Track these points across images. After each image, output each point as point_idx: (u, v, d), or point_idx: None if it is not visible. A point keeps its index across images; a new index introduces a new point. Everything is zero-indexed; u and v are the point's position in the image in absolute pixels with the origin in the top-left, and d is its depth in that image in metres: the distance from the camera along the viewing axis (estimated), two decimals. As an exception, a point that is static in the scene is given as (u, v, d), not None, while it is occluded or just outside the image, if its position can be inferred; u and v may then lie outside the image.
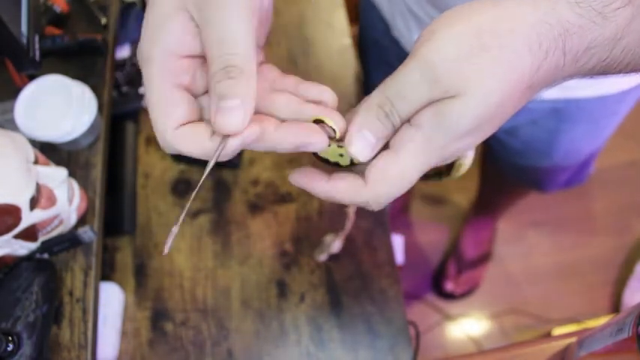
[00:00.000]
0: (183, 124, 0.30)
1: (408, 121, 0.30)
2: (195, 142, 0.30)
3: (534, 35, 0.27)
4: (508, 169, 1.00)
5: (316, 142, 0.31)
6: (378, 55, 0.85)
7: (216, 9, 0.29)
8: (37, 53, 0.58)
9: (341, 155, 0.34)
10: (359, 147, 0.30)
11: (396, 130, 0.30)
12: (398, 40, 0.75)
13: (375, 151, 0.31)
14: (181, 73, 0.32)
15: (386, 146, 0.31)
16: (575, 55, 0.28)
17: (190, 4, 0.31)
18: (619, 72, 0.31)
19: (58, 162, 0.63)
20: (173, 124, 0.30)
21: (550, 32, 0.27)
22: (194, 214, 0.76)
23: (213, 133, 0.29)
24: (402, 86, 0.29)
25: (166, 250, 0.32)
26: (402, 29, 0.72)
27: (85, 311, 0.57)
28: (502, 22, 0.27)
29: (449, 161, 0.33)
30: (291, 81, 0.35)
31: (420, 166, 0.30)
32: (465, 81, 0.28)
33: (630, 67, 0.30)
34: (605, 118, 0.78)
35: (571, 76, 0.30)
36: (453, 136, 0.29)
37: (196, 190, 0.32)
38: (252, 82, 0.29)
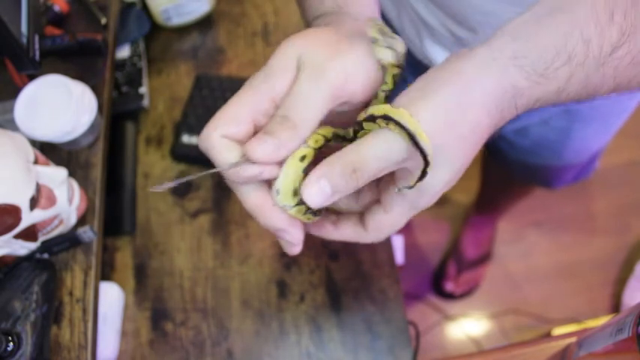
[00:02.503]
0: (227, 137, 0.34)
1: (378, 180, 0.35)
2: (221, 152, 0.34)
3: (492, 103, 0.32)
4: (516, 168, 1.00)
5: (294, 237, 0.39)
6: None
7: (312, 72, 0.34)
8: (37, 53, 0.58)
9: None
10: (312, 193, 0.33)
11: (360, 185, 0.33)
12: (408, 48, 0.74)
13: (329, 202, 0.33)
14: (259, 110, 0.35)
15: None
16: (525, 107, 0.33)
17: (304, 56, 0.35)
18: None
19: (58, 162, 0.63)
20: (224, 131, 0.34)
21: (504, 95, 0.32)
22: (194, 214, 0.76)
23: (243, 155, 0.33)
24: (380, 149, 0.32)
25: (155, 189, 0.36)
26: (413, 37, 0.71)
27: (85, 311, 0.57)
28: (465, 96, 0.31)
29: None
30: None
31: (406, 218, 0.37)
32: (435, 153, 0.31)
33: (576, 101, 0.35)
34: (616, 115, 0.78)
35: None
36: (433, 197, 0.35)
37: (193, 177, 0.37)
38: (297, 140, 0.33)
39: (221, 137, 0.34)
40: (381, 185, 0.38)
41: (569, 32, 0.31)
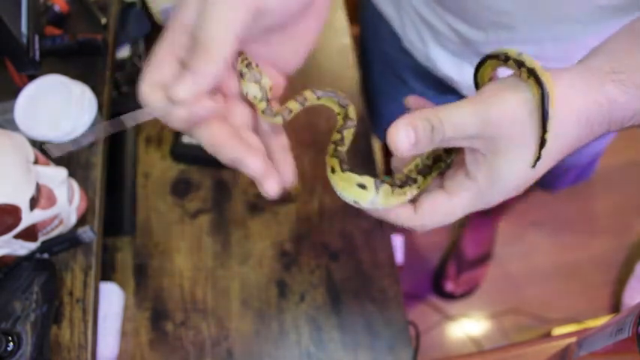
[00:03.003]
0: (155, 84, 0.34)
1: (447, 154, 0.36)
2: (149, 98, 0.34)
3: (584, 115, 0.32)
4: None
5: (250, 167, 0.35)
6: (384, 66, 0.84)
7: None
8: (37, 53, 0.58)
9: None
10: (401, 137, 0.32)
11: (430, 147, 0.33)
12: (409, 51, 0.74)
13: (406, 154, 0.33)
14: (178, 46, 0.34)
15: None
16: (620, 123, 0.33)
17: None
18: None
19: (58, 162, 0.63)
20: (150, 79, 0.34)
21: (600, 109, 0.32)
22: (194, 214, 0.76)
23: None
24: (456, 117, 0.32)
25: (126, 121, 0.39)
26: (415, 41, 0.71)
27: (85, 311, 0.57)
28: (559, 100, 0.31)
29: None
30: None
31: (466, 211, 0.36)
32: (509, 141, 0.32)
33: None
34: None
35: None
36: (502, 193, 0.34)
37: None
38: (213, 64, 0.32)
39: (149, 86, 0.34)
40: (448, 173, 0.37)
41: None
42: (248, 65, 0.37)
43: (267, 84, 0.38)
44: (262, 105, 0.38)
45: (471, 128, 0.32)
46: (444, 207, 0.36)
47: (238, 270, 0.72)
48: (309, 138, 0.79)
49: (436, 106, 0.33)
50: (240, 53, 0.37)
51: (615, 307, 1.40)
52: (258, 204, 0.76)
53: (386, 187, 0.35)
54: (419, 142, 0.32)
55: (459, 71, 0.68)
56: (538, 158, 0.32)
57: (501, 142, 0.32)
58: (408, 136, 0.32)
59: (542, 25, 0.56)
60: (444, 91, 0.75)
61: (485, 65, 0.37)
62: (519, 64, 0.32)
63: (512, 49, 0.33)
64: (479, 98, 0.32)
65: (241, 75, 0.37)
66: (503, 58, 0.34)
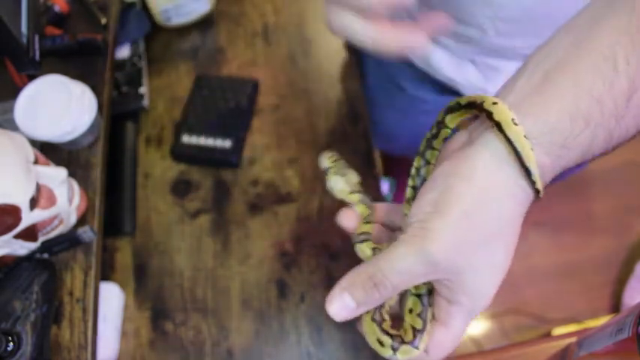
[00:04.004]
0: None
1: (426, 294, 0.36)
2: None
3: (515, 188, 0.31)
4: None
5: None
6: (381, 75, 0.84)
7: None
8: (37, 53, 0.58)
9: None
10: (335, 308, 0.33)
11: (383, 299, 0.33)
12: (409, 60, 0.74)
13: (354, 315, 0.33)
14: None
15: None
16: (551, 175, 0.32)
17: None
18: None
19: (58, 162, 0.63)
20: None
21: (527, 186, 0.31)
22: (194, 214, 0.76)
23: None
24: (397, 264, 0.32)
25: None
26: None
27: (85, 311, 0.57)
28: (484, 195, 0.30)
29: None
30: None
31: (466, 327, 0.35)
32: (463, 261, 0.31)
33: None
34: None
35: None
36: (488, 298, 0.34)
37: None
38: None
39: None
40: (433, 301, 0.36)
41: (577, 95, 0.29)
42: (335, 161, 0.39)
43: (354, 179, 0.39)
44: (354, 197, 0.41)
45: (418, 269, 0.31)
46: (448, 340, 0.35)
47: (238, 270, 0.72)
48: (309, 138, 0.79)
49: (376, 257, 0.33)
50: (327, 151, 0.38)
51: (615, 307, 1.40)
52: (258, 204, 0.76)
53: (404, 347, 0.36)
54: (363, 303, 0.33)
55: (459, 71, 0.68)
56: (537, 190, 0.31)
57: (458, 267, 0.31)
58: (344, 305, 0.33)
59: (544, 19, 0.56)
60: (443, 92, 0.75)
61: (456, 114, 0.35)
62: (488, 114, 0.30)
63: (489, 98, 0.31)
64: (416, 232, 0.31)
65: (328, 169, 0.39)
66: (474, 106, 0.32)
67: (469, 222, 0.30)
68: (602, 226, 1.50)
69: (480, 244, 0.31)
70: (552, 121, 0.29)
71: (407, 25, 0.38)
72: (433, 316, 0.36)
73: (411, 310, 0.37)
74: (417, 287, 0.37)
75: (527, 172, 0.30)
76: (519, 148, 0.29)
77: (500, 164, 0.30)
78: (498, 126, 0.30)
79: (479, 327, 1.39)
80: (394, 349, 0.36)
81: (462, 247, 0.31)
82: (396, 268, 0.32)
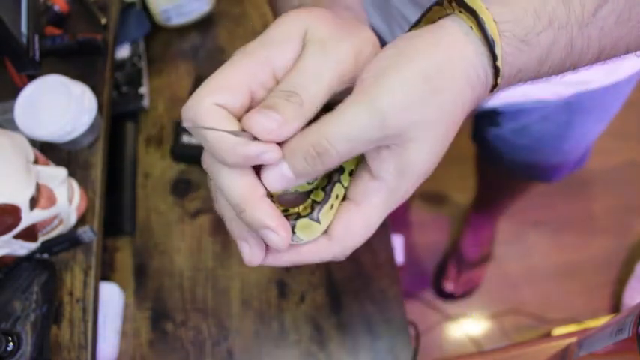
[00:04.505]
0: (221, 106, 0.29)
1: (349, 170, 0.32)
2: (217, 122, 0.28)
3: (473, 71, 0.29)
4: (514, 166, 0.99)
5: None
6: None
7: (321, 49, 0.30)
8: (37, 53, 0.58)
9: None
10: (271, 179, 0.29)
11: (326, 169, 0.29)
12: None
13: (290, 186, 0.30)
14: (257, 81, 0.31)
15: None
16: (507, 77, 0.30)
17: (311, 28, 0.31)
18: (547, 77, 0.33)
19: (58, 162, 0.63)
20: (218, 99, 0.29)
21: (486, 65, 0.29)
22: (194, 214, 0.76)
23: (242, 129, 0.28)
24: (346, 127, 0.28)
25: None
26: None
27: (85, 311, 0.57)
28: (445, 65, 0.28)
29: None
30: None
31: (383, 214, 0.32)
32: (414, 128, 0.28)
33: (558, 75, 0.32)
34: (615, 101, 0.78)
35: (502, 90, 0.32)
36: (415, 181, 0.30)
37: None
38: (302, 119, 0.29)
39: (214, 105, 0.29)
40: (348, 182, 0.33)
41: None
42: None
43: None
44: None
45: (370, 134, 0.28)
46: (358, 223, 0.31)
47: (238, 270, 0.72)
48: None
49: (320, 120, 0.29)
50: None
51: (615, 307, 1.40)
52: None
53: (303, 221, 0.31)
54: (302, 175, 0.29)
55: None
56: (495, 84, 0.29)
57: (407, 133, 0.28)
58: (281, 175, 0.29)
59: None
60: None
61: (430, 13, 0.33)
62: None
63: None
64: (368, 88, 0.28)
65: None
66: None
67: (426, 84, 0.28)
68: (602, 226, 1.50)
69: (430, 114, 0.28)
70: (517, 11, 0.29)
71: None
72: (345, 198, 0.32)
73: (316, 187, 0.32)
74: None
75: (493, 56, 0.29)
76: (489, 32, 0.28)
77: (467, 40, 0.29)
78: (470, 10, 0.29)
79: (479, 327, 1.39)
80: (292, 227, 0.31)
81: (415, 110, 0.28)
82: (345, 134, 0.28)
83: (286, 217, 0.31)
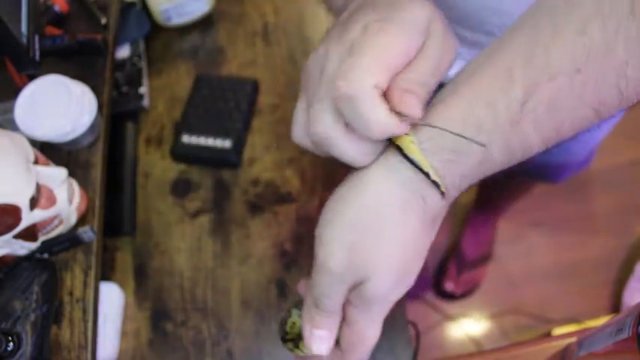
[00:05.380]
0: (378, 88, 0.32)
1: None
2: (374, 107, 0.30)
3: (403, 199, 0.32)
4: (520, 167, 0.99)
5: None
6: None
7: (442, 44, 0.34)
8: (37, 53, 0.58)
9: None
10: (318, 347, 0.37)
11: (330, 314, 0.36)
12: None
13: (332, 340, 0.37)
14: (401, 63, 0.33)
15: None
16: (453, 186, 0.33)
17: None
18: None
19: (58, 162, 0.63)
20: (378, 79, 0.31)
21: (418, 185, 0.32)
22: (194, 214, 0.76)
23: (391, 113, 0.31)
24: (322, 289, 0.35)
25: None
26: None
27: (85, 311, 0.57)
28: (368, 209, 0.33)
29: None
30: None
31: (376, 325, 0.38)
32: (366, 267, 0.33)
33: (510, 167, 0.34)
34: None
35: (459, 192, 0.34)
36: (385, 299, 0.35)
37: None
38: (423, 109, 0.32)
39: (374, 88, 0.30)
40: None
41: (472, 102, 0.31)
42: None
43: None
44: None
45: (334, 289, 0.35)
46: (355, 340, 0.38)
47: (238, 270, 0.72)
48: (309, 138, 0.78)
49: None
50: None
51: (615, 307, 1.40)
52: (258, 204, 0.76)
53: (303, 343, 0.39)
54: (331, 329, 0.37)
55: None
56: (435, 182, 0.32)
57: (361, 271, 0.34)
58: (321, 339, 0.37)
59: None
60: None
61: None
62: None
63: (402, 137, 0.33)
64: (316, 249, 0.35)
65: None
66: None
67: (356, 229, 0.33)
68: (602, 226, 1.50)
69: (373, 248, 0.33)
70: (443, 123, 0.31)
71: None
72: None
73: None
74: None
75: (426, 175, 0.31)
76: (409, 155, 0.31)
77: (388, 176, 0.33)
78: (396, 146, 0.32)
79: (479, 327, 1.39)
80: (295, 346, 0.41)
81: (357, 253, 0.33)
82: (320, 299, 0.35)
83: (292, 339, 0.41)
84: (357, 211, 0.33)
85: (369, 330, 0.37)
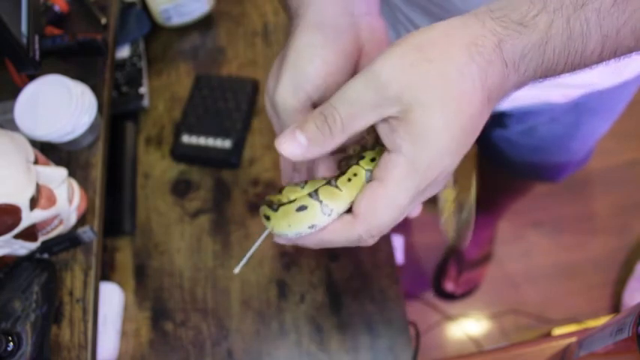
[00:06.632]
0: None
1: (359, 142, 0.37)
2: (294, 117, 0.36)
3: (473, 47, 0.30)
4: (519, 166, 0.99)
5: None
6: None
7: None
8: (37, 53, 0.58)
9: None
10: (287, 146, 0.32)
11: (335, 138, 0.32)
12: None
13: (307, 156, 0.32)
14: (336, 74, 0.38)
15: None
16: (514, 63, 0.31)
17: None
18: (560, 73, 0.33)
19: (58, 162, 0.63)
20: (298, 97, 0.37)
21: (487, 43, 0.30)
22: (194, 214, 0.76)
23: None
24: (346, 92, 0.31)
25: (237, 269, 0.36)
26: None
27: (85, 311, 0.57)
28: (441, 39, 0.30)
29: (436, 190, 0.34)
30: None
31: (409, 191, 0.31)
32: (414, 90, 0.30)
33: (569, 68, 0.33)
34: (622, 101, 0.79)
35: (517, 87, 0.32)
36: (435, 154, 0.30)
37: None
38: (338, 142, 0.33)
39: (297, 103, 0.36)
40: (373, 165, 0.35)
41: None
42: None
43: None
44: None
45: (367, 96, 0.30)
46: (382, 199, 0.31)
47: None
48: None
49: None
50: None
51: (615, 307, 1.40)
52: (258, 204, 0.76)
53: (324, 188, 0.33)
54: (314, 140, 0.32)
55: None
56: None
57: (407, 95, 0.30)
58: (296, 142, 0.32)
59: None
60: None
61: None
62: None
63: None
64: (367, 66, 0.31)
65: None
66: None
67: (419, 52, 0.30)
68: (602, 226, 1.50)
69: (428, 79, 0.30)
70: (511, 0, 0.31)
71: None
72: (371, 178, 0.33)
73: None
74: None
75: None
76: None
77: (470, 19, 0.31)
78: None
79: (479, 327, 1.39)
80: (315, 194, 0.33)
81: (409, 72, 0.29)
82: (344, 97, 0.31)
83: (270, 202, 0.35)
84: (421, 38, 0.31)
85: (403, 190, 0.31)
